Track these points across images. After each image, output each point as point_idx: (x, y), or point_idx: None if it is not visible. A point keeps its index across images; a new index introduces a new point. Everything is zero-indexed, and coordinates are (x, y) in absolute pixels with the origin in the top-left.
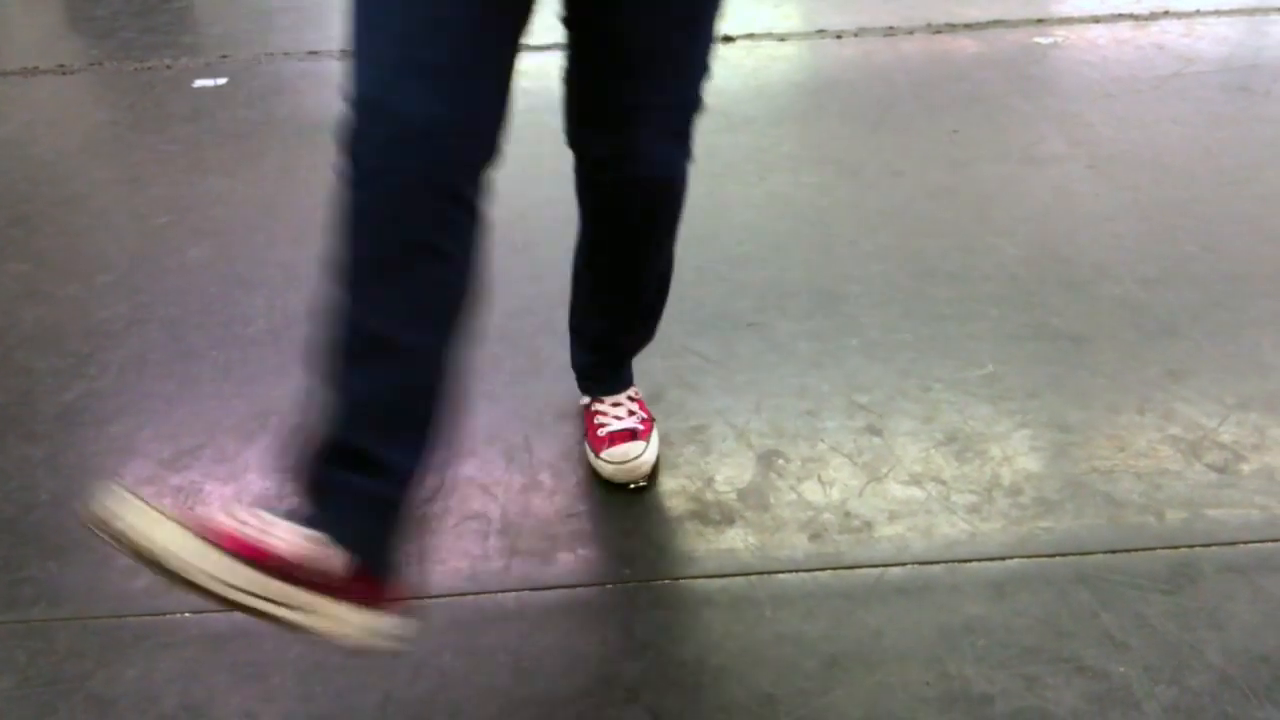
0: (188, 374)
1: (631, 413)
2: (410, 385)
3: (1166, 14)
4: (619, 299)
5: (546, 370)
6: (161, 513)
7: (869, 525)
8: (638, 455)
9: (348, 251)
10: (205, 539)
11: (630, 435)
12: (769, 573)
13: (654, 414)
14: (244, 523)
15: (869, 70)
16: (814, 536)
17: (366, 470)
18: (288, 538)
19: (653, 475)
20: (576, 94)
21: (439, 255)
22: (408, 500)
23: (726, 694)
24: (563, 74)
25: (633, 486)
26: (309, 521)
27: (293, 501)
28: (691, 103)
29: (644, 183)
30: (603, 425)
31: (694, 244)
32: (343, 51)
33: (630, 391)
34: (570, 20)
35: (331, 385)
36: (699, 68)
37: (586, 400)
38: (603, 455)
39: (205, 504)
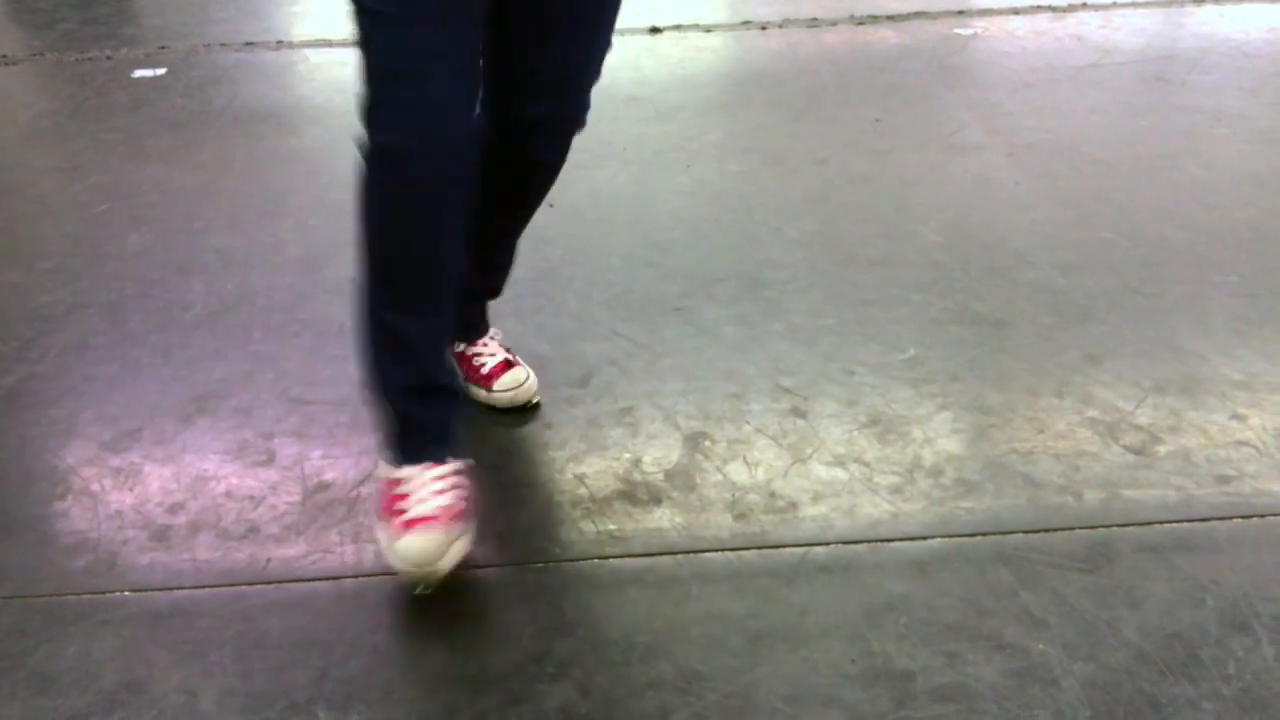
0: (127, 358)
1: (504, 347)
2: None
3: (1084, 6)
4: (498, 250)
5: None
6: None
7: (793, 505)
8: (525, 379)
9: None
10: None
11: (508, 365)
12: (695, 552)
13: (583, 396)
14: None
15: (793, 61)
16: (739, 516)
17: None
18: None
19: (579, 450)
20: (510, 59)
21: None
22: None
23: (654, 670)
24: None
25: (527, 406)
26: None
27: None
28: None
29: (566, 142)
30: (482, 364)
31: (621, 230)
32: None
33: (492, 332)
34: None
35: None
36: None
37: (459, 348)
38: (495, 387)
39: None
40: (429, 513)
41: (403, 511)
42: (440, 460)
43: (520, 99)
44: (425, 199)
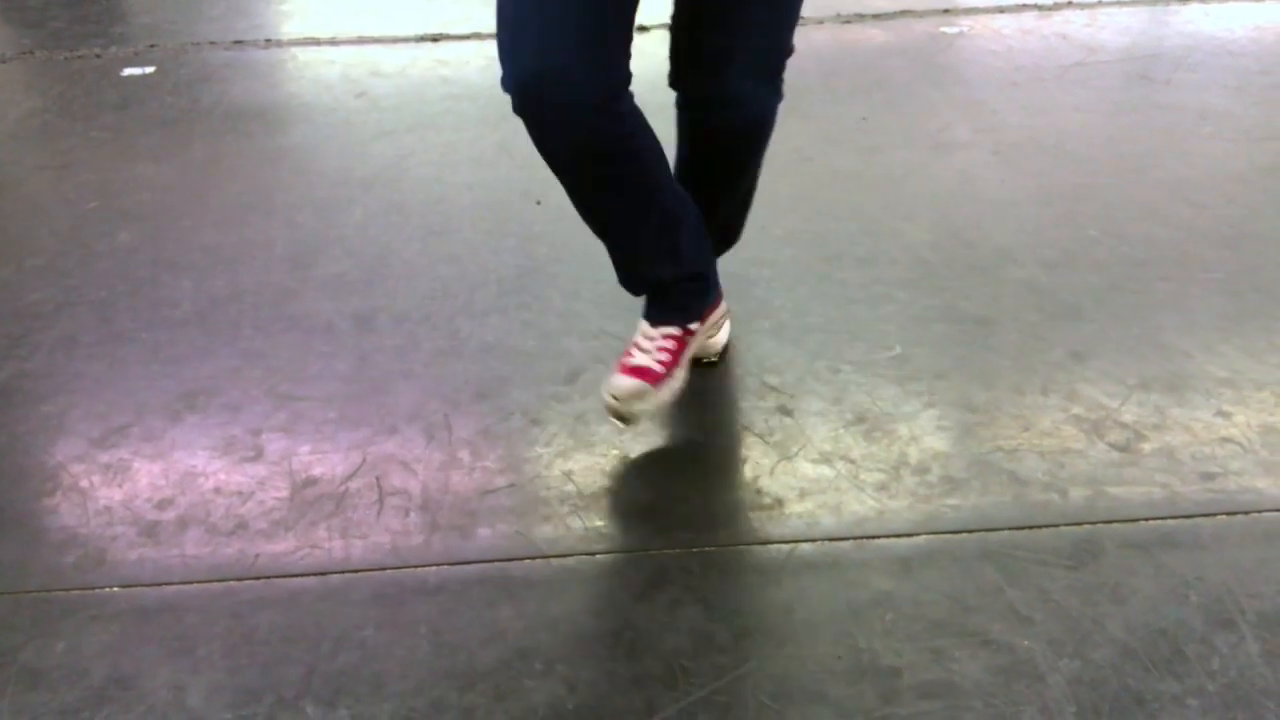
0: (117, 355)
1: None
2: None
3: (1070, 4)
4: (705, 211)
5: (466, 350)
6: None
7: (780, 502)
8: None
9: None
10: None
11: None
12: (682, 548)
13: (570, 393)
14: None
15: None
16: (727, 513)
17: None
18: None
19: (566, 446)
20: (678, 39)
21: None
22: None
23: (640, 666)
24: (670, 21)
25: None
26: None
27: None
28: (781, 45)
29: (736, 121)
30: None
31: None
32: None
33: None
34: None
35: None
36: (791, 14)
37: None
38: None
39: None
40: (635, 364)
41: (628, 356)
42: (656, 323)
43: (696, 73)
44: (566, 152)
